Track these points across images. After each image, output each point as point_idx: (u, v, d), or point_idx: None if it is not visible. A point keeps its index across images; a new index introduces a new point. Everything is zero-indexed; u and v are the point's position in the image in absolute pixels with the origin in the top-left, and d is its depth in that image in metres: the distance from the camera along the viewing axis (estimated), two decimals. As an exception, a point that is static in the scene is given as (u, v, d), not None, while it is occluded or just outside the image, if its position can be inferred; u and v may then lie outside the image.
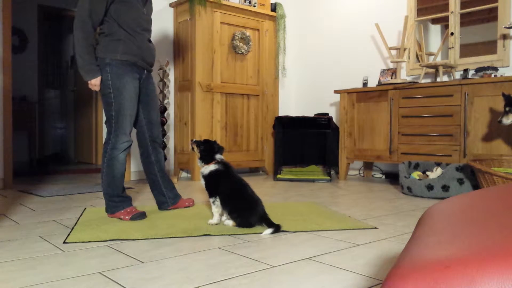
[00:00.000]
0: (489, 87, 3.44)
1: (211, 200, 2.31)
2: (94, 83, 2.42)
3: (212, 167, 2.33)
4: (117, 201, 2.48)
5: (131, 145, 2.51)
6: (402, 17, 4.37)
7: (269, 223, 2.18)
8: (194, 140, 2.45)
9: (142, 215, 2.47)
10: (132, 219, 2.42)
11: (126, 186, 3.03)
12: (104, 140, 2.57)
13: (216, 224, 2.29)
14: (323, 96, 5.26)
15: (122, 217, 2.45)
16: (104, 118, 2.52)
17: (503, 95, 3.13)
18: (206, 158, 2.36)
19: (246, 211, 2.23)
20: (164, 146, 4.45)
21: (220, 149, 2.40)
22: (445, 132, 3.68)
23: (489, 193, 0.95)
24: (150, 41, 2.63)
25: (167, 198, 2.74)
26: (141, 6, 2.53)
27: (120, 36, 2.43)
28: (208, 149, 2.37)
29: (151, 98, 2.67)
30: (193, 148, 2.42)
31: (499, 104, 3.35)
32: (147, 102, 2.64)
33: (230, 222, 2.26)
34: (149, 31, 2.63)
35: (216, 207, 2.30)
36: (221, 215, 2.32)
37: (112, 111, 2.44)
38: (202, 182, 2.36)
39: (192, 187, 3.92)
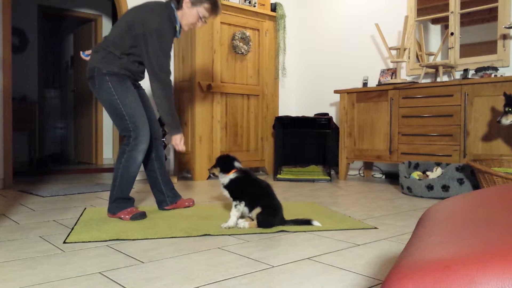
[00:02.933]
0: (489, 87, 3.44)
1: (235, 203, 2.26)
2: (179, 139, 2.60)
3: (232, 175, 2.31)
4: (121, 202, 2.48)
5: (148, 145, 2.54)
6: (402, 17, 4.37)
7: (293, 222, 2.27)
8: (212, 167, 2.39)
9: (142, 215, 2.47)
10: (132, 218, 2.42)
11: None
12: (109, 140, 2.60)
13: (231, 227, 2.23)
14: (323, 96, 5.26)
15: (122, 216, 2.45)
16: (105, 120, 2.54)
17: (505, 94, 3.12)
18: (225, 168, 2.33)
19: (271, 212, 2.24)
20: (164, 146, 4.45)
21: (236, 159, 2.39)
22: (445, 132, 3.68)
23: (489, 193, 0.95)
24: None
25: (165, 197, 2.74)
26: None
27: (121, 57, 2.45)
28: (225, 159, 2.35)
29: (145, 97, 2.71)
30: (213, 173, 2.38)
31: (499, 104, 3.35)
32: (142, 101, 2.66)
33: (246, 224, 2.22)
34: None
35: (237, 211, 2.25)
36: (238, 218, 2.27)
37: (126, 115, 2.43)
38: (225, 192, 2.32)
39: (192, 187, 3.92)
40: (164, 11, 2.45)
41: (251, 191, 2.28)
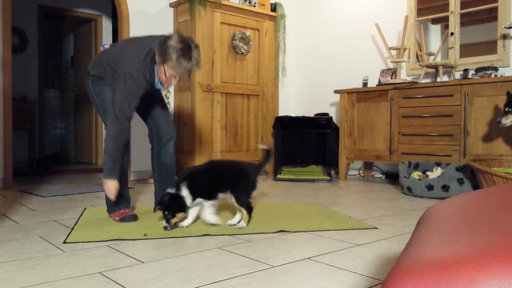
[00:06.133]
0: (489, 87, 3.44)
1: (208, 203, 2.22)
2: (111, 185, 2.23)
3: (184, 190, 2.15)
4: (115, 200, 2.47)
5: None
6: (402, 17, 4.37)
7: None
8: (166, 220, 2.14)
9: (131, 218, 2.41)
10: (121, 221, 2.39)
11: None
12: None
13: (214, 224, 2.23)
14: (323, 96, 5.26)
15: (113, 218, 2.44)
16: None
17: (508, 94, 3.10)
18: (179, 204, 2.15)
19: (243, 190, 2.24)
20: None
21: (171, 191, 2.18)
22: (445, 132, 3.68)
23: (489, 193, 0.95)
24: None
25: (157, 196, 2.73)
26: (153, 91, 2.48)
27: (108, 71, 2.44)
28: (174, 199, 2.13)
29: (149, 94, 2.62)
30: (169, 220, 2.14)
31: (499, 104, 3.35)
32: (145, 98, 2.61)
33: (244, 224, 2.22)
34: None
35: (212, 208, 2.23)
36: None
37: (101, 109, 2.47)
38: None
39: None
40: (140, 60, 2.27)
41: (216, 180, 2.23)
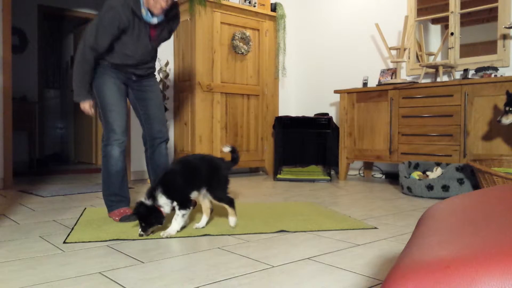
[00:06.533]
0: (489, 87, 3.44)
1: (182, 212, 2.13)
2: (82, 106, 2.47)
3: (161, 198, 2.07)
4: (113, 200, 2.47)
5: (125, 142, 2.49)
6: (402, 17, 4.37)
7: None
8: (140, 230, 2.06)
9: (131, 218, 2.40)
10: (121, 220, 2.39)
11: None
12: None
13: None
14: (323, 96, 5.26)
15: (113, 217, 2.44)
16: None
17: (507, 93, 3.11)
18: (153, 215, 2.05)
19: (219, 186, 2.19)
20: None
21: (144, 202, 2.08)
22: (445, 132, 3.68)
23: (489, 193, 0.95)
24: (147, 62, 2.57)
25: None
26: (145, 38, 2.43)
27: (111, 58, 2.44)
28: (148, 211, 2.05)
29: (148, 94, 2.61)
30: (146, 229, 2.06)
31: (499, 104, 3.35)
32: (143, 98, 2.61)
33: (234, 218, 2.20)
34: (146, 62, 2.55)
35: (183, 219, 2.13)
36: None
37: (100, 108, 2.47)
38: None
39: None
40: None
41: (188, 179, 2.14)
